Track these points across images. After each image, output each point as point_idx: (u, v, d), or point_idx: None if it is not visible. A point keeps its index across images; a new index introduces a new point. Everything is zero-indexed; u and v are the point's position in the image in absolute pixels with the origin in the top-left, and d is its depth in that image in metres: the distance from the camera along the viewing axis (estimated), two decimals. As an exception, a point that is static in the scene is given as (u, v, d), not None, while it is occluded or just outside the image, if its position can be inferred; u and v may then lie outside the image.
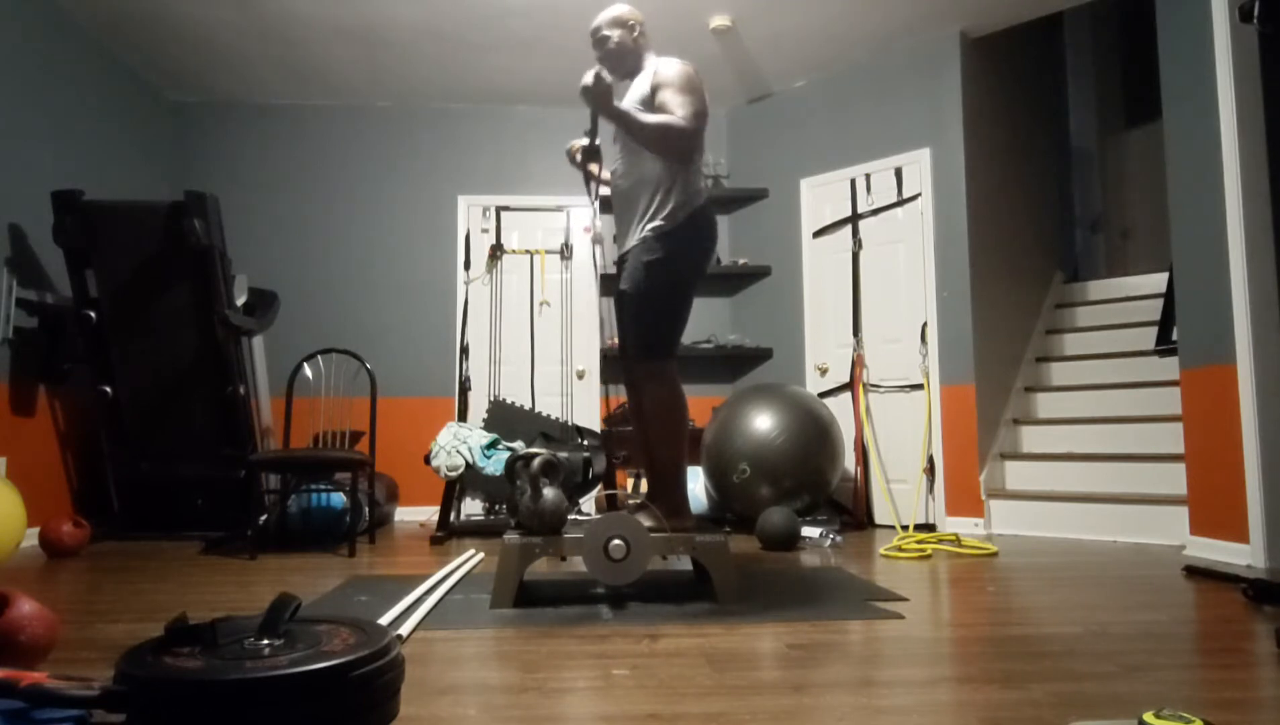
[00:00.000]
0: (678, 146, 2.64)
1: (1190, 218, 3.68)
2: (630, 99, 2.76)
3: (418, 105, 5.72)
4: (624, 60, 2.86)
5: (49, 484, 4.23)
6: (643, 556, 2.48)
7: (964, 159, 4.71)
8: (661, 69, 2.72)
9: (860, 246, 5.12)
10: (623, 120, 2.63)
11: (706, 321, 5.62)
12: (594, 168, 2.94)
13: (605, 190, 2.97)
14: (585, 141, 2.87)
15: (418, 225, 5.66)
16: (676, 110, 2.62)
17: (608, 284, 3.47)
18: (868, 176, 5.10)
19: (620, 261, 2.80)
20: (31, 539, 3.98)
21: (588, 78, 2.58)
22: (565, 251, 5.67)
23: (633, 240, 2.73)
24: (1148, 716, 1.32)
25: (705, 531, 2.64)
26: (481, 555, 3.67)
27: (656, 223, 2.67)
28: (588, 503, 5.07)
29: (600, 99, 2.59)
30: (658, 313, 2.69)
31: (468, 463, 4.40)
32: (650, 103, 2.69)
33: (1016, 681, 1.75)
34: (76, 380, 4.36)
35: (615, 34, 2.84)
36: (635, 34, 2.86)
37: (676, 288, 2.70)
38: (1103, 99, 6.25)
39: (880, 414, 4.97)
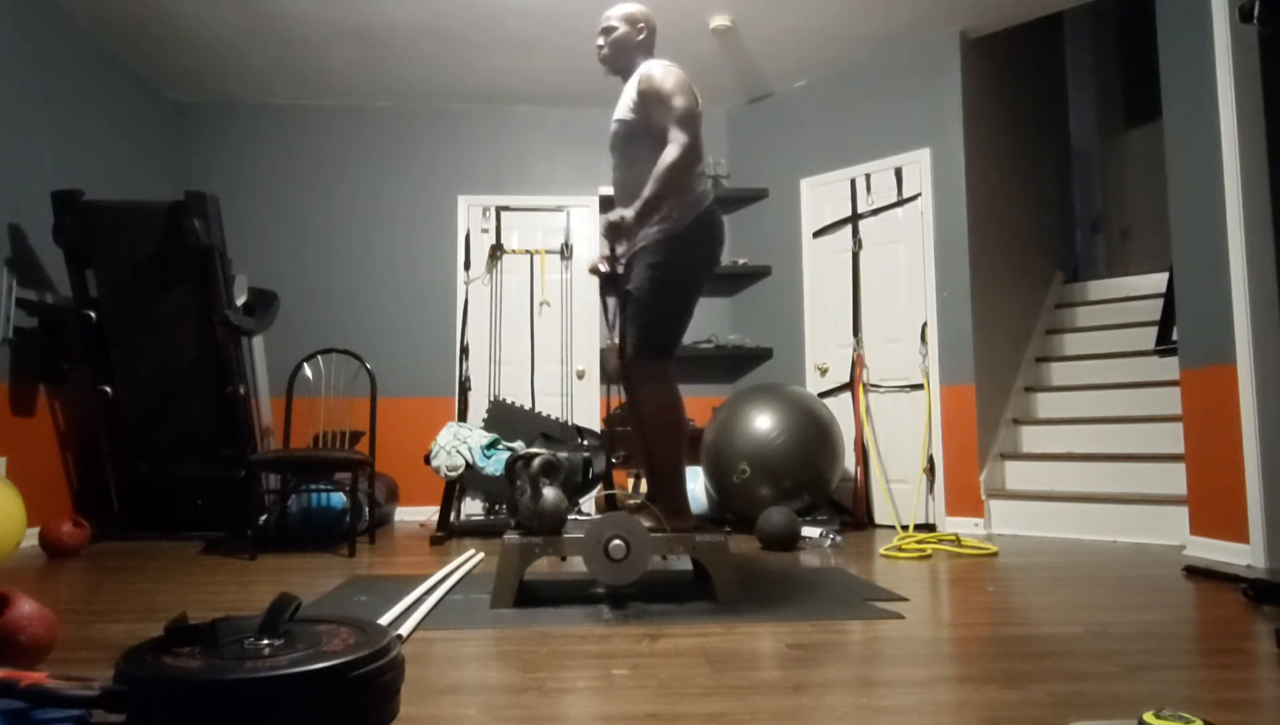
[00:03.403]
0: (688, 166, 2.62)
1: (1190, 218, 3.68)
2: (621, 106, 2.78)
3: (418, 105, 5.72)
4: (620, 55, 2.88)
5: (49, 484, 4.23)
6: (643, 556, 2.48)
7: (964, 159, 4.71)
8: (644, 74, 2.71)
9: (860, 246, 5.12)
10: (653, 209, 2.59)
11: (706, 321, 5.62)
12: (611, 299, 2.92)
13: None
14: (605, 267, 2.86)
15: (418, 225, 5.66)
16: (668, 126, 2.61)
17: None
18: (868, 176, 5.10)
19: (627, 265, 2.81)
20: (31, 539, 3.98)
21: (604, 229, 2.58)
22: (565, 251, 5.67)
23: (639, 243, 2.73)
24: (1148, 716, 1.32)
25: (705, 531, 2.64)
26: (481, 555, 3.67)
27: (663, 226, 2.67)
28: (588, 503, 5.07)
29: (625, 231, 2.57)
30: (662, 314, 2.69)
31: (468, 463, 4.40)
32: (640, 111, 2.70)
33: (1016, 681, 1.75)
34: (76, 380, 4.36)
35: (621, 27, 2.86)
36: (640, 35, 2.87)
37: (682, 290, 2.71)
38: (1103, 99, 6.25)
39: (880, 414, 4.97)
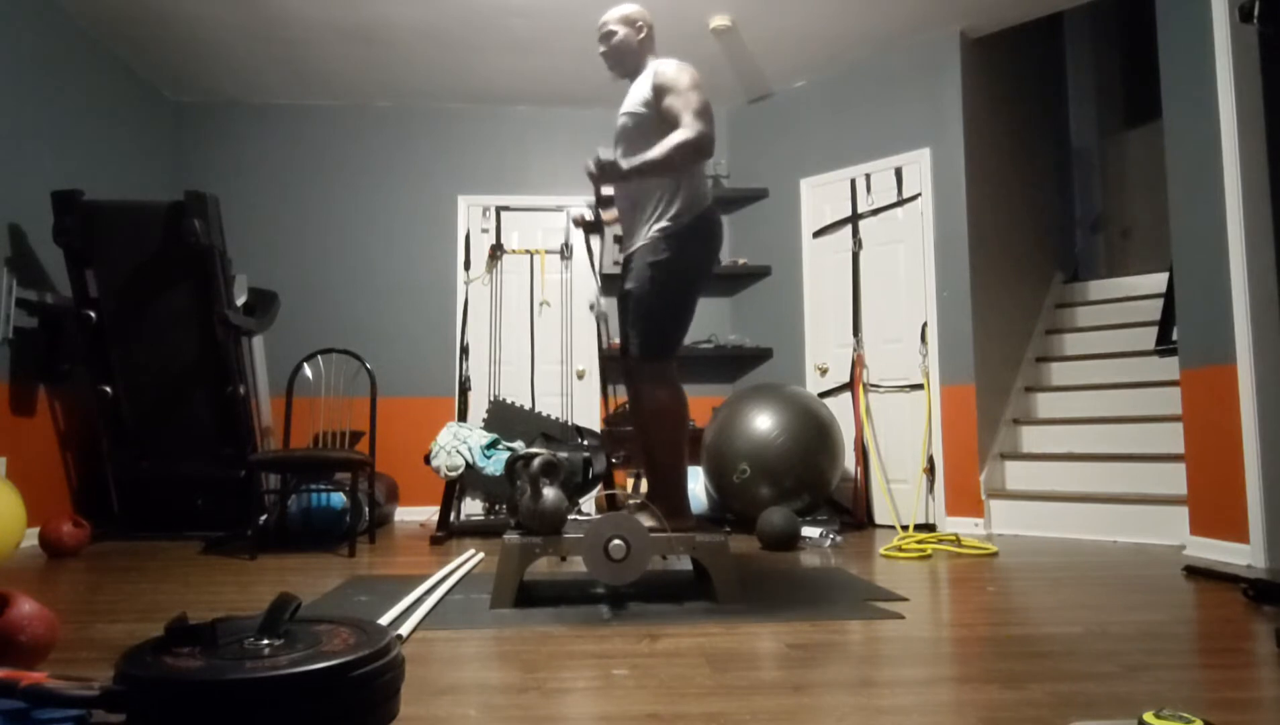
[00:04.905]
0: (698, 153, 2.61)
1: (1190, 217, 3.68)
2: (631, 101, 2.77)
3: (418, 105, 5.72)
4: (625, 58, 2.87)
5: (49, 484, 4.23)
6: (643, 556, 2.48)
7: (964, 159, 4.71)
8: (660, 70, 2.71)
9: (860, 246, 5.12)
10: (642, 171, 2.59)
11: (706, 321, 5.62)
12: (595, 241, 2.94)
13: (609, 264, 2.99)
14: (589, 215, 2.87)
15: (418, 225, 5.66)
16: (682, 113, 2.60)
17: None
18: (868, 176, 5.10)
19: (625, 262, 2.81)
20: (31, 539, 3.98)
21: (590, 165, 2.57)
22: (565, 251, 5.67)
23: (638, 241, 2.73)
24: (1148, 716, 1.32)
25: (705, 531, 2.64)
26: (481, 555, 3.67)
27: (663, 224, 2.67)
28: (588, 503, 5.07)
29: (610, 175, 2.58)
30: (662, 313, 2.69)
31: (468, 463, 4.40)
32: (653, 106, 2.69)
33: (1016, 681, 1.75)
34: (76, 380, 4.36)
35: (621, 31, 2.85)
36: (641, 35, 2.87)
37: (682, 289, 2.71)
38: (1103, 99, 6.25)
39: (880, 414, 4.97)
